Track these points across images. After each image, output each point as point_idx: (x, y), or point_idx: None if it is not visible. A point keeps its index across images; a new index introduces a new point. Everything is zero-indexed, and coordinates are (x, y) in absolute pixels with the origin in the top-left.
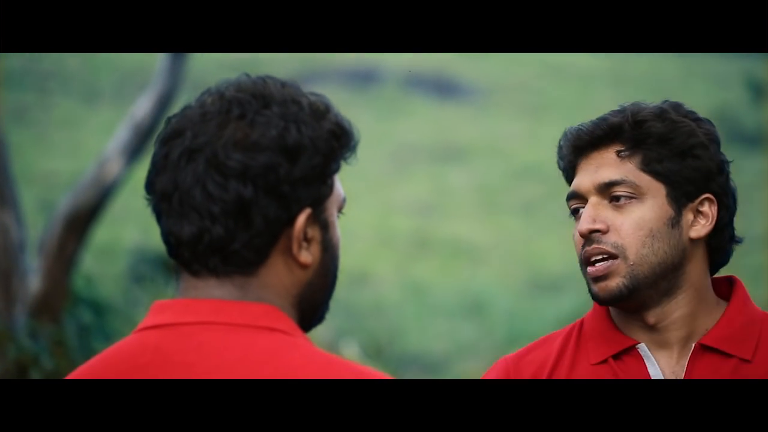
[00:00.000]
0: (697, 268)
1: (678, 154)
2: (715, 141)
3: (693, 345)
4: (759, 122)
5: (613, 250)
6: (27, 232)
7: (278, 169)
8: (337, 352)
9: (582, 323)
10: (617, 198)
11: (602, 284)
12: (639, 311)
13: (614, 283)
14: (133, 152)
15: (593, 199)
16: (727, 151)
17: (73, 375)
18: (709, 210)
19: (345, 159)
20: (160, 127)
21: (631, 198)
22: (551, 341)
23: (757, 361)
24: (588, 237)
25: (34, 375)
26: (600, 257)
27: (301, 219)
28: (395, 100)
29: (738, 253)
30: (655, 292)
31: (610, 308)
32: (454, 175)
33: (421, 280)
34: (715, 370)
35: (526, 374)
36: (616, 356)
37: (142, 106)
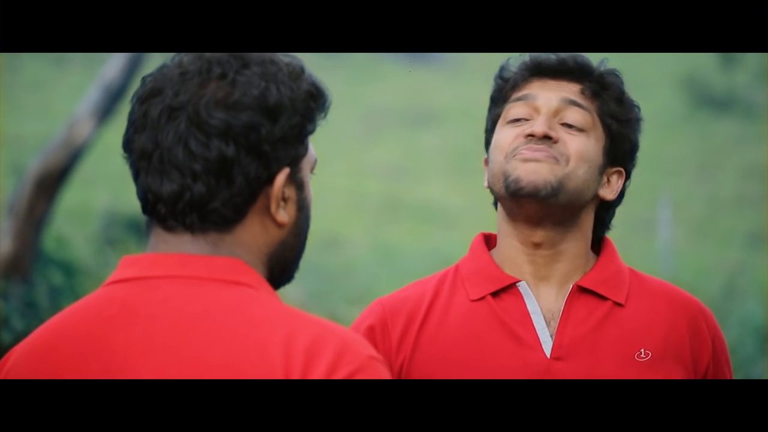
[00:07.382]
0: (587, 221)
1: (624, 119)
2: (640, 122)
3: (571, 286)
4: (729, 86)
5: (559, 156)
6: None
7: (260, 129)
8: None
9: (457, 268)
10: (569, 125)
11: (535, 166)
12: (532, 225)
13: (545, 174)
14: (103, 114)
15: (547, 113)
16: (697, 116)
17: (42, 328)
18: (617, 182)
19: (319, 120)
20: (131, 88)
21: (581, 131)
22: (425, 282)
23: (629, 306)
24: (539, 139)
25: (5, 336)
26: (543, 155)
27: (281, 178)
28: (366, 63)
29: (708, 217)
30: (558, 212)
31: (500, 239)
32: (426, 138)
33: (393, 244)
34: (591, 310)
35: (403, 312)
36: (495, 294)
37: (112, 68)
